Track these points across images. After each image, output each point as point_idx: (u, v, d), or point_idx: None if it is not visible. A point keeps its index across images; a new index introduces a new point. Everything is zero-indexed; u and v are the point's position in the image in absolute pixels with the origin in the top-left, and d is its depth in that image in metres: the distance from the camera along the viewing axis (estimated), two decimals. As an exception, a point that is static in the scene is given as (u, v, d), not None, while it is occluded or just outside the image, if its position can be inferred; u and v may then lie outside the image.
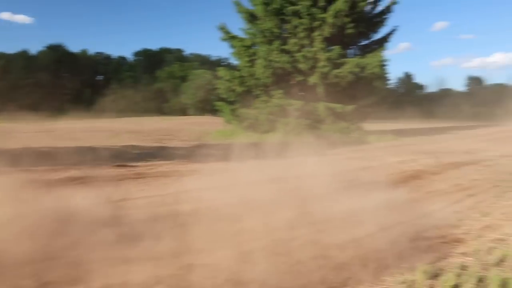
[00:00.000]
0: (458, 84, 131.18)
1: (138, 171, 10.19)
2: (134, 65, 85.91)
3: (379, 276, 4.16)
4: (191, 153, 13.67)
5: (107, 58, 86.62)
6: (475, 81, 79.54)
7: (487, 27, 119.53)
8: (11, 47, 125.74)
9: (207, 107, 54.77)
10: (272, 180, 9.27)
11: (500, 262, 4.47)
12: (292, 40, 20.55)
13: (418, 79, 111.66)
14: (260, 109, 20.64)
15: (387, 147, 18.35)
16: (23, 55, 72.82)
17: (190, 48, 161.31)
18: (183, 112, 66.87)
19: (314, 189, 8.61)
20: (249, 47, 21.13)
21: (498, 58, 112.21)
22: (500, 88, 71.19)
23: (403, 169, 11.65)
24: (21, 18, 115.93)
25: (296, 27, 20.38)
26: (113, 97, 77.86)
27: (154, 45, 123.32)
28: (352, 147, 18.00)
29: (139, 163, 11.50)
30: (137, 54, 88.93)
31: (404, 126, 31.53)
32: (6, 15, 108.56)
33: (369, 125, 24.68)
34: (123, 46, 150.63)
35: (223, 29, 21.64)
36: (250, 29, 21.83)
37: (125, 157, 12.73)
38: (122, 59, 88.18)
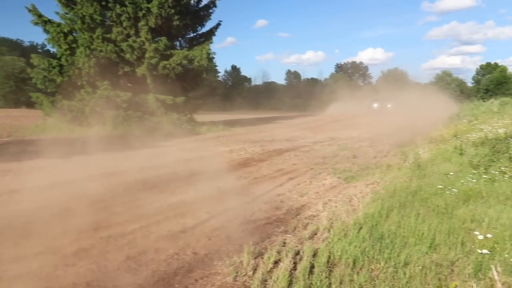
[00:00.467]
0: (280, 78, 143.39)
1: None
2: None
3: (209, 262, 4.25)
4: (1, 151, 11.94)
5: None
6: (293, 76, 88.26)
7: (300, 27, 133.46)
8: None
9: (21, 98, 48.57)
10: (97, 176, 8.78)
11: (313, 235, 5.03)
12: (116, 29, 19.51)
13: (245, 72, 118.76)
14: (85, 101, 19.09)
15: (219, 137, 18.99)
16: None
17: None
18: (-10, 104, 57.87)
19: (144, 182, 8.42)
20: (67, 33, 19.22)
21: (310, 55, 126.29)
22: (313, 82, 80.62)
23: (232, 158, 12.19)
24: None
25: (120, 15, 19.36)
26: None
27: None
28: (184, 139, 18.12)
29: None
30: None
31: (234, 117, 33.07)
32: None
33: (201, 117, 25.21)
34: None
35: (33, 11, 19.17)
36: (67, 14, 19.82)
37: None
38: None
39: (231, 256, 4.33)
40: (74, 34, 19.42)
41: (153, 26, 19.48)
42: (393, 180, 7.74)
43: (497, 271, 3.35)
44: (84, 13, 18.81)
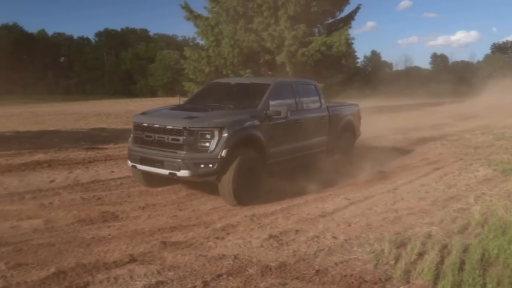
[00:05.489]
0: (424, 62, 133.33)
1: (107, 153, 9.87)
2: (97, 46, 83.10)
3: (349, 247, 4.21)
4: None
5: (68, 39, 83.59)
6: (440, 59, 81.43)
7: (449, 6, 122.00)
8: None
9: (176, 88, 53.94)
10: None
11: (463, 229, 4.61)
12: (258, 19, 20.22)
13: (386, 57, 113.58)
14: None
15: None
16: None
17: (154, 28, 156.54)
18: (152, 93, 65.36)
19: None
20: (214, 26, 20.60)
21: (460, 36, 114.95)
22: (463, 65, 73.24)
23: (372, 145, 11.81)
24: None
25: (260, 5, 20.00)
26: (78, 79, 75.53)
27: (115, 24, 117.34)
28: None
29: (108, 146, 11.16)
30: (99, 34, 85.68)
31: (374, 104, 31.77)
32: None
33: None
34: (81, 25, 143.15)
35: (185, 8, 20.99)
36: (214, 8, 21.22)
37: (94, 139, 12.26)
38: (84, 39, 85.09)
39: (371, 244, 4.22)
40: (219, 26, 20.76)
41: (292, 14, 19.70)
42: None
43: None
44: (229, 6, 19.94)
